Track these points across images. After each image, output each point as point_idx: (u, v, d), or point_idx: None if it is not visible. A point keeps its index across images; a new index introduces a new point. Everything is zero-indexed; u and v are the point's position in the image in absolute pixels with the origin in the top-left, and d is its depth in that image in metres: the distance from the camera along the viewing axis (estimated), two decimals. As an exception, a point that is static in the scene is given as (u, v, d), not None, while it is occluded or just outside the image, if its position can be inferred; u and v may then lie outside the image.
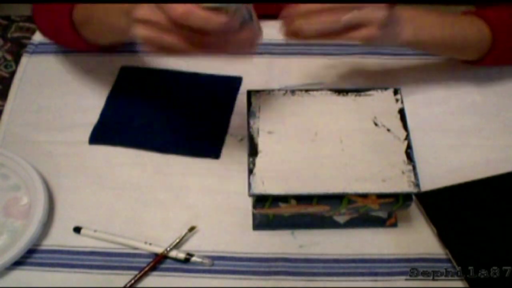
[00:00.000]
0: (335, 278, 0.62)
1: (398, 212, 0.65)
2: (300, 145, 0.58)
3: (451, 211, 0.64)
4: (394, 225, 0.66)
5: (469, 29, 0.70)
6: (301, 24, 0.57)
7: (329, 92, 0.62)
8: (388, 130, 0.59)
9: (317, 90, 0.63)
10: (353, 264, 0.63)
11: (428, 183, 0.66)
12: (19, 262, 0.63)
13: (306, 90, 0.63)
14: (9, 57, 0.90)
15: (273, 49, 0.83)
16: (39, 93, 0.79)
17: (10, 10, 1.82)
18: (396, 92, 0.62)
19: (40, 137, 0.75)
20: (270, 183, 0.56)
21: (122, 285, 0.61)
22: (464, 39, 0.70)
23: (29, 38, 0.86)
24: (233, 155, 0.72)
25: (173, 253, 0.63)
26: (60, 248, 0.65)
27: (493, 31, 0.70)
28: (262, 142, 0.58)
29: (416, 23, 0.67)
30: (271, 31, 0.86)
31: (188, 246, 0.65)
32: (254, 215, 0.66)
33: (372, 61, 0.81)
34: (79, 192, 0.69)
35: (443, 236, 0.63)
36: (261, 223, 0.66)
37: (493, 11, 0.72)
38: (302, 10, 0.58)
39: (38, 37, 0.86)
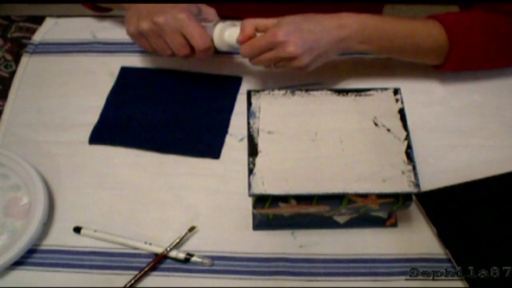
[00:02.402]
0: (335, 278, 0.62)
1: (398, 212, 0.65)
2: (300, 145, 0.58)
3: (451, 211, 0.64)
4: (394, 225, 0.66)
5: (423, 37, 0.71)
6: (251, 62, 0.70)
7: (329, 92, 0.62)
8: (388, 130, 0.59)
9: (317, 90, 0.63)
10: (353, 264, 0.63)
11: (428, 183, 0.66)
12: (19, 262, 0.63)
13: (306, 90, 0.63)
14: (9, 57, 0.90)
15: (273, 49, 0.82)
16: (39, 93, 0.79)
17: (10, 10, 1.82)
18: (396, 92, 0.62)
19: (40, 137, 0.75)
20: (270, 183, 0.55)
21: (122, 285, 0.61)
22: (417, 48, 0.71)
23: (29, 38, 0.86)
24: (233, 155, 0.72)
25: (173, 253, 0.63)
26: (60, 248, 0.65)
27: (450, 38, 0.70)
28: (262, 142, 0.58)
29: (364, 35, 0.69)
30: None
31: (188, 246, 0.65)
32: (254, 215, 0.66)
33: (372, 61, 0.81)
34: (79, 192, 0.69)
35: (443, 236, 0.63)
36: (261, 223, 0.66)
37: (453, 17, 0.72)
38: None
39: (38, 37, 0.86)
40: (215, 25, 0.69)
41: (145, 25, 0.69)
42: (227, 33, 0.69)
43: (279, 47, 0.65)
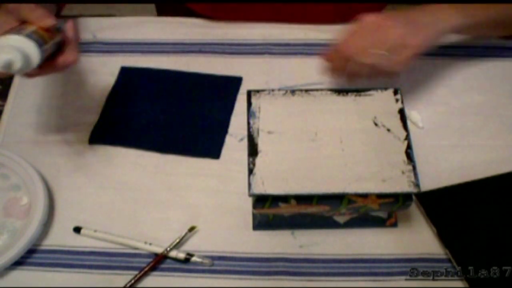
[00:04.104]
0: (335, 278, 0.62)
1: (398, 212, 0.65)
2: (300, 145, 0.58)
3: (451, 211, 0.64)
4: (394, 225, 0.66)
5: (509, 7, 0.70)
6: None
7: (329, 92, 0.62)
8: (388, 130, 0.59)
9: (317, 90, 0.63)
10: (353, 264, 0.63)
11: (428, 183, 0.66)
12: (19, 262, 0.63)
13: (306, 90, 0.63)
14: (9, 57, 0.90)
15: (273, 49, 0.83)
16: (39, 93, 0.79)
17: (10, 10, 1.82)
18: (396, 92, 0.62)
19: (40, 137, 0.75)
20: (270, 183, 0.56)
21: (122, 285, 0.61)
22: (507, 17, 0.71)
23: (29, 38, 0.86)
24: (233, 155, 0.72)
25: (173, 253, 0.63)
26: (60, 248, 0.65)
27: None
28: (262, 142, 0.58)
29: (461, 8, 0.68)
30: (272, 31, 0.86)
31: (188, 246, 0.65)
32: (254, 215, 0.66)
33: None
34: (79, 192, 0.69)
35: (443, 236, 0.63)
36: (261, 223, 0.66)
37: None
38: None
39: (38, 37, 0.86)
40: None
41: None
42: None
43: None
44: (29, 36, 0.56)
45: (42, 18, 0.59)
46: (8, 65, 0.54)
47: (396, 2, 0.69)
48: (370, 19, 0.65)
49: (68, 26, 0.62)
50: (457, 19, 0.67)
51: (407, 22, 0.65)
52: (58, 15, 0.77)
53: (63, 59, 0.60)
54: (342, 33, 0.67)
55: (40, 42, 0.57)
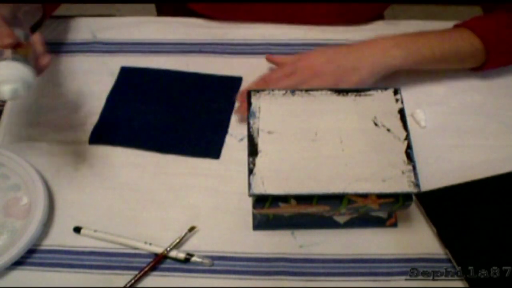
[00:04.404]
0: (335, 278, 0.62)
1: (398, 212, 0.65)
2: (300, 145, 0.58)
3: (451, 211, 0.64)
4: (394, 225, 0.66)
5: (460, 43, 0.72)
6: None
7: (329, 92, 0.62)
8: (388, 130, 0.59)
9: (317, 90, 0.63)
10: (353, 264, 0.63)
11: (428, 183, 0.66)
12: (19, 262, 0.63)
13: (306, 90, 0.63)
14: (9, 57, 0.90)
15: (273, 49, 0.83)
16: (39, 93, 0.79)
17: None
18: (396, 92, 0.62)
19: (40, 137, 0.75)
20: (270, 183, 0.56)
21: (122, 285, 0.61)
22: (457, 54, 0.73)
23: (29, 38, 0.86)
24: (233, 155, 0.72)
25: (173, 253, 0.63)
26: (60, 248, 0.65)
27: (484, 42, 0.71)
28: (262, 142, 0.58)
29: (404, 47, 0.71)
30: (271, 31, 0.86)
31: (188, 246, 0.65)
32: (254, 215, 0.66)
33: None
34: (79, 192, 0.69)
35: (443, 236, 0.63)
36: (261, 223, 0.66)
37: (479, 22, 0.73)
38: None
39: (38, 37, 0.86)
40: None
41: None
42: None
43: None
44: (15, 59, 0.56)
45: (4, 37, 0.57)
46: (15, 93, 0.55)
47: (396, 2, 0.69)
48: (305, 63, 0.72)
49: (35, 39, 0.62)
50: (397, 60, 0.71)
51: (339, 67, 0.71)
52: (44, 18, 0.77)
53: (40, 62, 0.61)
54: (275, 70, 0.74)
55: (25, 60, 0.57)
